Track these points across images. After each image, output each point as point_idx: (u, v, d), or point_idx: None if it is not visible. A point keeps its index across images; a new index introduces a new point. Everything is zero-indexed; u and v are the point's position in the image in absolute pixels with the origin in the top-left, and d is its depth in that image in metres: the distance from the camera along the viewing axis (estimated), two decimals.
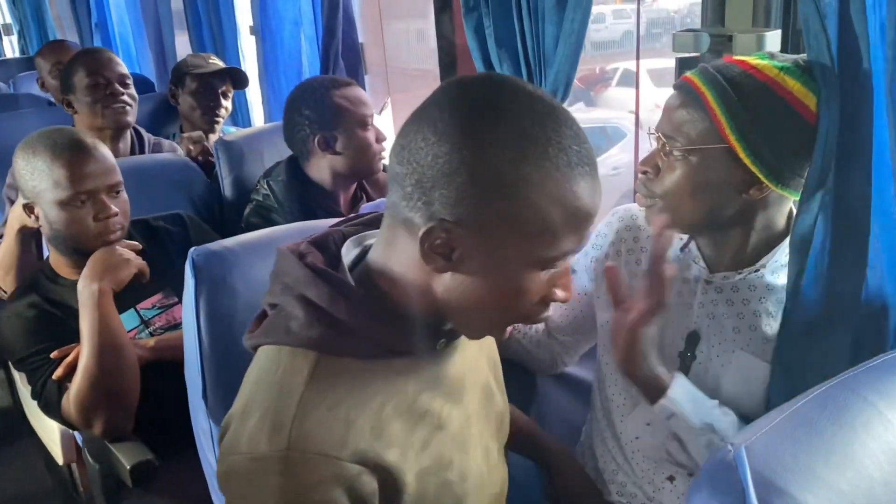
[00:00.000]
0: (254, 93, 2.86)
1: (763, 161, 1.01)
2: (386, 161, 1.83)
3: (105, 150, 1.57)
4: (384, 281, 0.82)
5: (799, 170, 1.03)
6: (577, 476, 1.20)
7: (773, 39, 1.27)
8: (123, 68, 2.32)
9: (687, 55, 1.39)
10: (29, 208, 1.56)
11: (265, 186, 1.93)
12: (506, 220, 0.73)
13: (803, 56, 1.03)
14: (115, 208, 1.55)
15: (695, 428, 1.06)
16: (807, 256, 1.02)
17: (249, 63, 2.86)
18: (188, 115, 2.58)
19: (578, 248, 0.79)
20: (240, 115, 2.90)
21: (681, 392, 1.07)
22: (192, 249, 1.23)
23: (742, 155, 1.01)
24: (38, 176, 1.50)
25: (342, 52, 2.27)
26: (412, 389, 0.83)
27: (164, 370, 1.54)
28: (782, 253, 1.10)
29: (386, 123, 2.68)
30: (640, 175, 1.12)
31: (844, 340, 1.02)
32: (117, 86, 2.26)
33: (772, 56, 1.04)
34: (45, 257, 1.70)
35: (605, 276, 1.13)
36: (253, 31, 2.70)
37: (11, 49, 5.68)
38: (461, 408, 0.90)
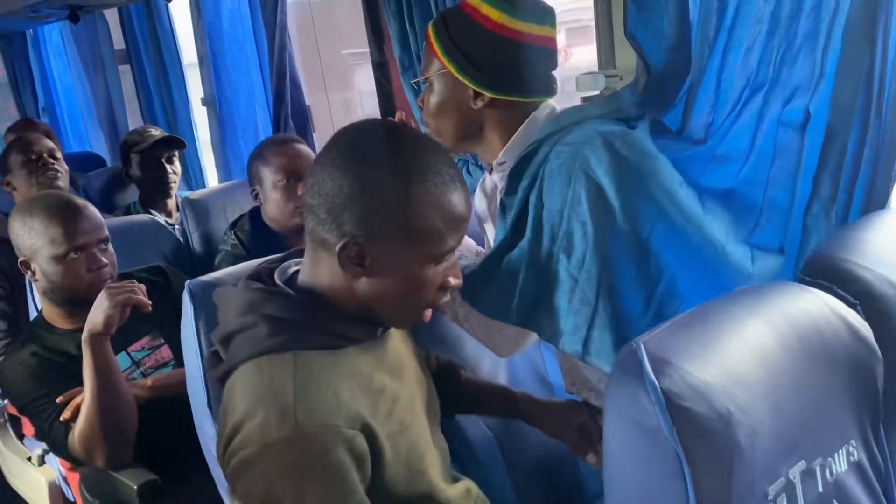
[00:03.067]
0: (208, 159, 3.08)
1: (471, 75, 1.30)
2: None
3: (93, 210, 1.75)
4: (318, 290, 1.02)
5: (514, 76, 1.29)
6: (552, 408, 1.38)
7: None
8: (51, 144, 2.59)
9: (588, 94, 1.68)
10: (25, 265, 1.73)
11: (232, 237, 2.12)
12: (401, 229, 0.95)
13: None
14: (105, 260, 1.73)
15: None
16: None
17: (202, 131, 3.08)
18: (142, 187, 2.75)
19: (459, 243, 1.03)
20: (193, 179, 3.10)
21: None
22: (189, 282, 1.41)
23: (454, 72, 1.30)
24: (35, 235, 1.67)
25: (291, 114, 2.52)
26: (367, 370, 1.03)
27: (160, 406, 1.70)
28: (516, 144, 1.33)
29: None
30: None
31: None
32: (47, 157, 2.51)
33: None
34: (38, 311, 1.86)
35: None
36: (204, 102, 2.91)
37: None
38: (404, 384, 1.10)
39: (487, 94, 1.30)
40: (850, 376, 0.91)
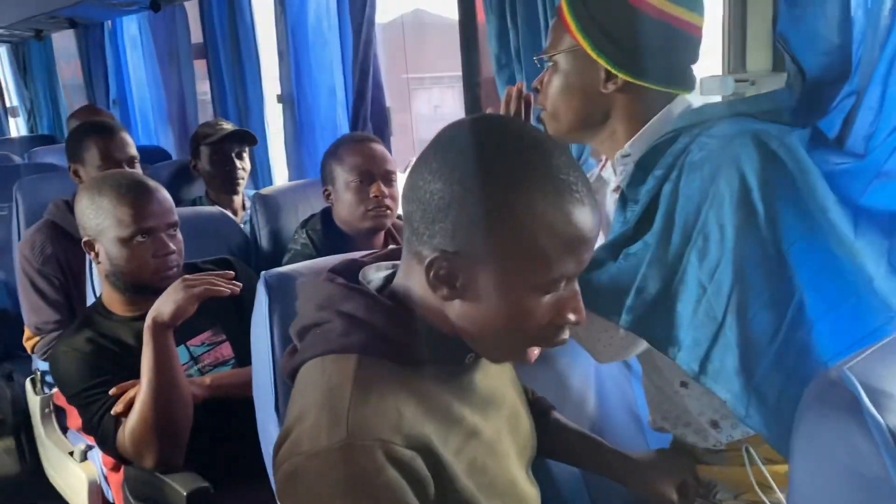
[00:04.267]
0: (276, 157, 3.01)
1: (607, 53, 1.16)
2: (389, 219, 1.94)
3: (165, 193, 1.66)
4: (409, 302, 0.89)
5: (652, 61, 1.16)
6: (647, 466, 1.23)
7: None
8: (133, 150, 2.35)
9: (711, 98, 1.52)
10: (89, 245, 1.63)
11: (303, 236, 2.01)
12: (499, 247, 0.80)
13: None
14: (172, 246, 1.62)
15: None
16: None
17: (274, 129, 3.00)
18: (210, 181, 2.68)
19: (578, 270, 0.85)
20: (261, 179, 3.02)
21: None
22: (264, 273, 1.30)
23: (588, 49, 1.17)
24: (102, 214, 1.58)
25: (370, 114, 2.42)
26: (445, 397, 0.89)
27: (216, 407, 1.59)
28: (647, 136, 1.20)
29: None
30: (533, 94, 1.31)
31: None
32: (126, 167, 2.31)
33: None
34: (97, 296, 1.76)
35: None
36: (280, 99, 2.83)
37: (17, 129, 5.85)
38: (491, 420, 0.95)
39: (622, 77, 1.17)
40: None
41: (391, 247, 1.05)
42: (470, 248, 0.80)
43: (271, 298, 1.26)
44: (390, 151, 2.26)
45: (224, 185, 2.64)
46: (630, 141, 1.21)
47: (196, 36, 3.39)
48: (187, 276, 1.52)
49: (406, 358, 0.87)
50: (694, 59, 1.20)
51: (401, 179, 2.06)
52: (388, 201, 1.94)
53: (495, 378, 1.00)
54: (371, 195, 1.91)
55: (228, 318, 1.72)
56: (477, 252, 0.81)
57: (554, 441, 1.24)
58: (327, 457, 0.78)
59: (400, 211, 2.01)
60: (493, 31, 1.82)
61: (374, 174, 1.92)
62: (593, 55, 1.17)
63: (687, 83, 1.21)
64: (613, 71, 1.17)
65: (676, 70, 1.19)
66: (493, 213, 0.79)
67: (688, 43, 1.18)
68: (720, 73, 1.54)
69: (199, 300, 1.48)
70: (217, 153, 2.61)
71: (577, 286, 0.87)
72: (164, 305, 1.48)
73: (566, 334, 0.88)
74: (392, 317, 0.87)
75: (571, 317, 0.86)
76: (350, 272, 0.96)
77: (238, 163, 2.62)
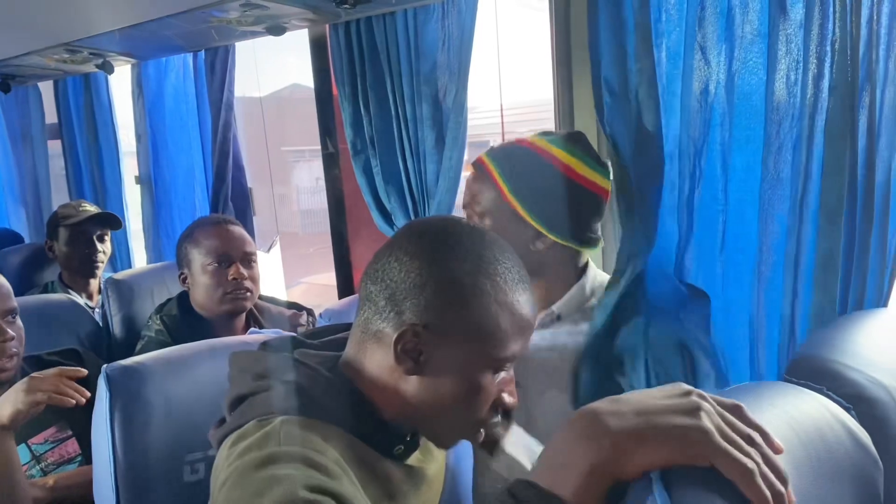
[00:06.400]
0: (136, 239, 2.92)
1: (539, 216, 1.24)
2: (249, 302, 1.91)
3: (1, 279, 1.59)
4: (358, 380, 0.92)
5: (574, 224, 1.25)
6: None
7: None
8: None
9: None
10: None
11: (158, 322, 1.95)
12: (465, 322, 0.88)
13: (572, 131, 1.31)
14: (11, 332, 1.55)
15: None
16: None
17: (133, 211, 2.93)
18: (66, 264, 2.57)
19: (523, 353, 0.93)
20: (119, 263, 2.92)
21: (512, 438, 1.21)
22: (106, 366, 1.26)
23: (522, 212, 1.24)
24: None
25: (231, 196, 2.40)
26: (374, 454, 0.91)
27: None
28: (574, 297, 1.30)
29: (275, 261, 2.80)
30: None
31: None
32: None
33: (546, 133, 1.30)
34: None
35: None
36: (138, 180, 2.77)
37: None
38: (423, 495, 0.97)
39: (552, 238, 1.26)
40: (853, 490, 0.82)
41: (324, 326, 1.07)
42: (438, 321, 0.87)
43: (112, 393, 1.22)
44: (252, 233, 2.24)
45: (82, 268, 2.54)
46: (561, 303, 1.31)
47: (51, 116, 3.29)
48: (34, 374, 1.44)
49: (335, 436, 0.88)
50: (600, 219, 1.31)
51: (263, 259, 2.05)
52: (247, 283, 1.91)
53: (424, 476, 1.00)
54: (229, 277, 1.88)
55: (74, 412, 1.63)
56: (445, 327, 0.87)
57: None
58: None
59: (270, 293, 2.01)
60: (347, 118, 1.88)
61: (232, 256, 1.89)
62: (527, 218, 1.24)
63: (597, 242, 1.31)
64: (544, 232, 1.25)
65: (592, 230, 1.29)
66: (465, 293, 0.88)
67: (600, 206, 1.28)
68: None
69: (45, 404, 1.40)
70: (77, 235, 2.51)
71: (512, 371, 0.94)
72: (3, 407, 1.39)
73: (499, 418, 0.95)
74: (334, 390, 0.90)
75: (507, 399, 0.93)
76: (286, 348, 0.97)
77: (99, 245, 2.54)
